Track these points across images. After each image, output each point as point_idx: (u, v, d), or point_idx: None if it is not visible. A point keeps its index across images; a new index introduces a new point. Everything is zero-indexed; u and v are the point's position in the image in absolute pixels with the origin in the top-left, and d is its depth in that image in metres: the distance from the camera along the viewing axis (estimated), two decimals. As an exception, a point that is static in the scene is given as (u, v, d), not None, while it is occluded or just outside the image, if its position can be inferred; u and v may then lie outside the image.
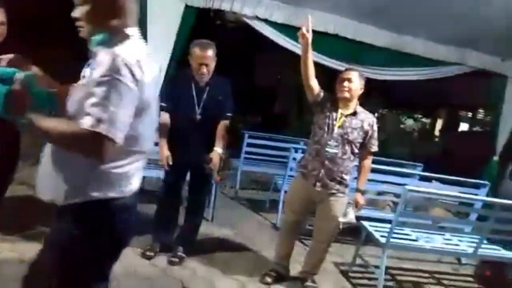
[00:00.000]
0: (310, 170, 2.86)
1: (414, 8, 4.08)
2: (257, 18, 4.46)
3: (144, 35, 3.88)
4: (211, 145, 3.05)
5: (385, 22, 4.73)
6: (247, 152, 5.16)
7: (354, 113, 2.85)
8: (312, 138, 2.91)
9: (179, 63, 4.09)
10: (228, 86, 3.13)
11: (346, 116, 2.83)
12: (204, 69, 2.92)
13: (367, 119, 2.87)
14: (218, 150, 3.07)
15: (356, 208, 2.92)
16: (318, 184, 2.82)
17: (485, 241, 3.33)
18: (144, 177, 4.19)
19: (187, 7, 4.12)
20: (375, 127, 2.89)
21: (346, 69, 2.99)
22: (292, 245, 3.12)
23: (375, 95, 8.24)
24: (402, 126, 11.04)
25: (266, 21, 4.49)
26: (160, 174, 3.47)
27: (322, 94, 2.87)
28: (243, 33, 6.22)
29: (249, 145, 5.15)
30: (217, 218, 4.18)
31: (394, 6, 4.13)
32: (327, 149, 2.79)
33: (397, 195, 3.96)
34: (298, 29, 4.57)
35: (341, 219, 2.84)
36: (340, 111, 2.84)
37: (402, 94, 8.14)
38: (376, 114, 10.48)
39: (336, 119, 2.83)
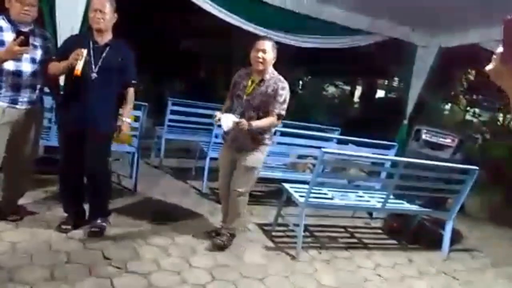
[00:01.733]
0: (230, 138, 3.06)
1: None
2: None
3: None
4: (110, 109, 2.91)
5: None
6: (171, 120, 5.06)
7: (262, 80, 2.96)
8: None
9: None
10: (130, 51, 2.96)
11: (257, 84, 2.97)
12: (97, 15, 2.73)
13: (274, 85, 2.95)
14: (127, 119, 2.98)
15: (239, 125, 2.86)
16: (233, 145, 3.06)
17: (391, 196, 3.67)
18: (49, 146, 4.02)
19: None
20: (280, 92, 2.93)
21: (260, 38, 3.04)
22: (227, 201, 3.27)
23: (299, 63, 8.45)
24: (324, 93, 11.50)
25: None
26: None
27: (233, 79, 3.10)
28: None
29: (173, 112, 5.05)
30: (141, 188, 4.11)
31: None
32: (235, 114, 2.92)
33: (316, 158, 4.17)
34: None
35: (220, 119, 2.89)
36: (251, 79, 2.99)
37: (324, 62, 8.41)
38: (300, 81, 10.83)
39: (246, 87, 2.98)
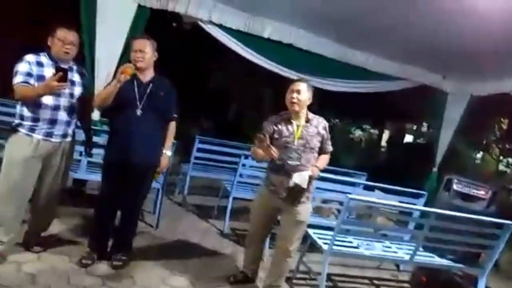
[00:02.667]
0: (277, 185, 2.91)
1: (364, 24, 4.25)
2: (212, 22, 4.45)
3: (93, 34, 3.81)
4: (154, 143, 3.03)
5: (336, 35, 4.89)
6: (197, 158, 5.10)
7: (308, 121, 2.95)
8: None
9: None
10: (172, 87, 3.10)
11: (303, 126, 2.93)
12: (139, 55, 2.89)
13: (320, 124, 2.99)
14: (167, 153, 3.12)
15: (311, 175, 2.87)
16: (287, 197, 2.89)
17: (420, 249, 3.50)
18: (86, 181, 4.10)
19: (139, 7, 4.05)
20: (328, 129, 3.04)
21: (296, 81, 3.03)
22: (257, 250, 3.19)
23: (326, 105, 8.46)
24: (351, 136, 11.41)
25: (220, 26, 4.50)
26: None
27: (269, 127, 2.95)
28: (198, 37, 6.17)
29: (199, 150, 5.09)
30: (163, 225, 4.09)
31: (346, 21, 4.28)
32: (289, 162, 2.86)
33: (341, 203, 4.06)
34: (253, 36, 4.69)
35: (294, 179, 2.82)
36: (295, 123, 2.93)
37: (352, 105, 8.41)
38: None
39: (293, 132, 2.91)
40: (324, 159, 3.03)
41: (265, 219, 3.10)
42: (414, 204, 4.16)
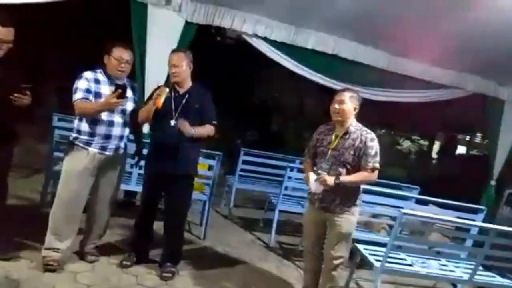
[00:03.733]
0: (312, 195, 2.88)
1: (412, 32, 4.12)
2: (256, 36, 4.48)
3: (143, 50, 3.94)
4: (190, 153, 3.08)
5: (384, 44, 4.77)
6: (242, 170, 5.11)
7: (347, 133, 2.81)
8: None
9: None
10: (208, 94, 3.14)
11: (341, 137, 2.82)
12: (173, 69, 3.01)
13: (360, 137, 2.78)
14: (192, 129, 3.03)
15: (319, 182, 2.73)
16: (321, 206, 2.84)
17: (480, 268, 3.27)
18: (136, 192, 4.21)
19: (187, 23, 4.15)
20: (370, 144, 2.75)
21: (339, 91, 2.96)
22: (314, 266, 3.05)
23: (372, 116, 8.24)
24: (399, 147, 11.03)
25: (265, 39, 4.53)
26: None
27: (313, 136, 2.97)
28: (243, 50, 6.26)
29: (245, 162, 5.10)
30: (209, 237, 4.11)
31: (393, 29, 4.17)
32: (319, 171, 2.79)
33: (393, 218, 3.90)
34: (297, 47, 4.67)
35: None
36: (335, 133, 2.85)
37: (399, 115, 8.14)
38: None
39: (330, 142, 2.84)
40: (359, 176, 2.76)
41: (314, 232, 2.97)
42: (472, 220, 3.91)
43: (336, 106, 2.80)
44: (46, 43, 6.88)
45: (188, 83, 3.11)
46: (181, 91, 3.08)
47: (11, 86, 2.54)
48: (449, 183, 6.84)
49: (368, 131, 2.83)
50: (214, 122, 3.12)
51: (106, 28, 6.49)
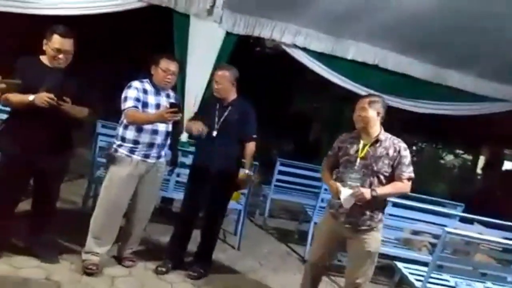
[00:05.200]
0: (337, 207, 2.70)
1: (459, 43, 3.97)
2: (296, 46, 4.48)
3: (184, 60, 4.03)
4: (230, 165, 3.15)
5: (427, 55, 4.63)
6: (278, 180, 5.07)
7: (377, 141, 2.66)
8: (336, 176, 2.79)
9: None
10: (251, 108, 3.21)
11: (370, 146, 2.66)
12: (216, 86, 3.12)
13: (393, 146, 2.64)
14: (247, 172, 3.21)
15: (355, 196, 2.56)
16: (347, 221, 2.65)
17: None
18: (173, 199, 4.28)
19: (227, 34, 4.21)
20: (404, 153, 2.63)
21: (361, 97, 2.81)
22: (315, 276, 2.95)
23: (413, 128, 8.01)
24: (441, 161, 10.60)
25: (304, 49, 4.51)
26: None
27: (335, 145, 2.83)
28: (281, 60, 6.27)
29: (280, 172, 5.07)
30: (244, 247, 4.09)
31: (438, 40, 4.04)
32: (349, 182, 2.61)
33: (435, 236, 3.73)
34: (337, 58, 4.62)
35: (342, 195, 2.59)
36: (362, 141, 2.68)
37: (442, 128, 7.84)
38: (414, 147, 10.19)
39: (358, 151, 2.67)
40: (394, 186, 2.61)
41: (329, 246, 2.80)
42: (522, 241, 3.66)
43: (358, 113, 2.68)
44: (92, 54, 7.19)
45: (232, 96, 3.18)
46: (224, 103, 3.16)
47: (71, 97, 2.64)
48: (495, 200, 6.48)
49: (399, 139, 2.69)
50: (254, 136, 3.17)
51: (149, 39, 6.71)
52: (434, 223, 3.88)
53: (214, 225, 3.34)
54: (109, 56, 7.32)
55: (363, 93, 4.78)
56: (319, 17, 4.23)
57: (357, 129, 2.73)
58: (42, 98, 2.52)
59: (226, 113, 3.13)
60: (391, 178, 2.63)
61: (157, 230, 3.87)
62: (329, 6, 3.99)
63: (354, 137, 2.75)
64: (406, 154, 2.64)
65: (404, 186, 2.62)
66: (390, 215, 3.91)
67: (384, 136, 2.68)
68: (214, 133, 3.10)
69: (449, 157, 11.24)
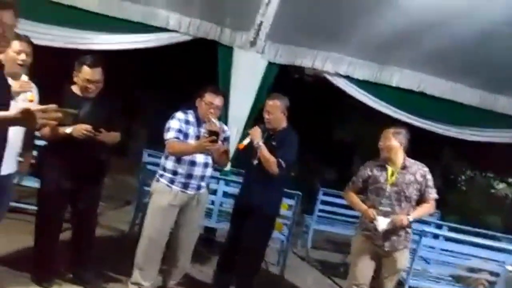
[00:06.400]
0: (372, 230, 2.89)
1: (506, 66, 3.81)
2: (338, 74, 4.45)
3: (227, 90, 4.09)
4: (271, 192, 3.12)
5: (474, 80, 4.46)
6: (321, 210, 4.96)
7: (404, 168, 2.89)
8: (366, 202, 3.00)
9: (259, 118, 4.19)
10: (293, 137, 3.15)
11: (398, 173, 2.88)
12: (267, 116, 3.12)
13: (419, 171, 2.90)
14: None
15: (394, 224, 2.81)
16: (385, 243, 2.88)
17: None
18: (215, 229, 4.27)
19: (269, 64, 4.26)
20: (429, 177, 2.91)
21: (385, 129, 3.02)
22: None
23: (462, 157, 7.66)
24: (493, 191, 10.00)
25: (347, 77, 4.47)
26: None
27: (363, 172, 3.03)
28: (322, 87, 6.26)
29: (323, 202, 4.96)
30: (286, 278, 4.00)
31: (485, 64, 3.90)
32: (380, 208, 2.86)
33: (493, 273, 3.48)
34: (381, 85, 4.54)
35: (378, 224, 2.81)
36: (390, 168, 2.90)
37: (493, 156, 7.44)
38: (463, 177, 9.70)
39: (387, 179, 2.89)
40: (424, 209, 2.92)
41: (370, 266, 2.97)
42: None
43: (382, 143, 2.94)
44: (138, 86, 7.54)
45: (282, 126, 3.16)
46: (272, 132, 3.15)
47: (103, 123, 2.74)
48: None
49: (423, 164, 2.95)
50: (282, 162, 2.99)
51: (192, 70, 6.93)
52: (491, 260, 3.62)
53: (256, 258, 3.28)
54: (157, 88, 7.62)
55: (408, 121, 4.67)
56: (361, 44, 4.20)
57: (381, 157, 2.96)
58: (80, 130, 2.64)
59: (269, 143, 3.07)
60: (419, 201, 2.91)
61: (201, 260, 3.85)
62: (372, 33, 3.96)
63: (381, 165, 2.97)
64: (430, 177, 2.92)
65: (432, 207, 2.95)
66: (443, 250, 3.71)
67: (409, 162, 2.93)
68: (255, 162, 3.07)
69: (501, 186, 10.59)
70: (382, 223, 2.79)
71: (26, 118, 1.61)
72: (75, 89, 2.84)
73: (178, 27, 4.05)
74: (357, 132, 8.53)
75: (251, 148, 3.05)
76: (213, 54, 4.28)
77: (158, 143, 3.67)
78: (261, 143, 3.00)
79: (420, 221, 4.16)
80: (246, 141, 3.02)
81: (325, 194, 4.97)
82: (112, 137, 2.87)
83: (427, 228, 4.13)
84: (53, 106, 1.65)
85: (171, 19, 4.01)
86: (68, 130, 2.64)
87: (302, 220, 5.31)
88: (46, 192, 2.84)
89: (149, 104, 7.30)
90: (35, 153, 2.99)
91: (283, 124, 3.16)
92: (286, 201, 4.02)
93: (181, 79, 7.17)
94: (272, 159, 2.97)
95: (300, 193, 3.99)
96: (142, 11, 3.94)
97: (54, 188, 2.79)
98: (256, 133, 3.05)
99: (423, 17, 3.56)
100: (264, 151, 2.98)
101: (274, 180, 3.05)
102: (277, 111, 3.09)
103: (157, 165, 3.65)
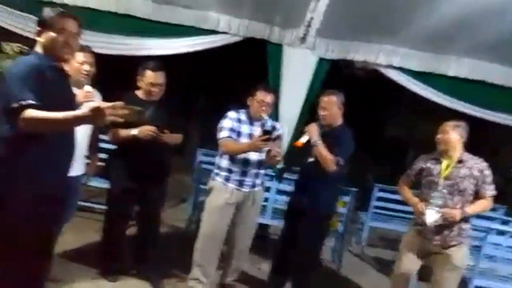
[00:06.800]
0: (424, 225, 2.81)
1: None
2: (392, 66, 4.32)
3: (277, 89, 4.09)
4: (327, 191, 3.08)
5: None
6: (376, 207, 4.84)
7: (460, 162, 2.80)
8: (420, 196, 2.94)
9: (311, 114, 4.15)
10: (347, 132, 3.09)
11: (453, 166, 2.80)
12: (322, 112, 3.08)
13: (476, 166, 2.79)
14: None
15: (446, 219, 2.72)
16: (435, 238, 2.80)
17: None
18: (269, 225, 4.30)
19: (320, 60, 4.21)
20: (487, 172, 2.79)
21: (444, 121, 2.91)
22: None
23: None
24: None
25: (401, 69, 4.33)
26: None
27: (416, 166, 2.98)
28: (373, 80, 6.10)
29: (379, 199, 4.84)
30: (342, 276, 3.96)
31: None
32: (432, 201, 2.77)
33: None
34: (437, 76, 4.34)
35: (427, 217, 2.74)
36: (444, 162, 2.83)
37: None
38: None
39: (440, 172, 2.81)
40: (480, 205, 2.80)
41: (417, 260, 2.90)
42: None
43: (440, 136, 2.85)
44: (191, 86, 7.75)
45: (338, 122, 3.11)
46: (328, 129, 3.09)
47: (166, 125, 2.87)
48: None
49: (481, 159, 2.85)
50: (339, 159, 2.95)
51: (243, 70, 7.01)
52: None
53: (310, 257, 3.22)
54: (209, 89, 7.79)
55: (465, 111, 4.43)
56: (416, 34, 4.03)
57: (438, 150, 2.88)
58: (145, 131, 2.77)
59: (326, 139, 3.00)
60: (474, 196, 2.80)
61: (256, 257, 3.89)
62: (426, 23, 3.79)
63: (435, 158, 2.90)
64: (489, 173, 2.80)
65: (489, 204, 2.83)
66: (510, 247, 3.50)
67: (466, 156, 2.84)
68: (311, 159, 3.04)
69: None
70: (430, 217, 2.73)
71: (96, 115, 1.73)
72: (139, 93, 2.97)
73: (228, 28, 4.11)
74: (410, 126, 8.22)
75: (306, 146, 3.02)
76: (262, 53, 4.30)
77: (211, 142, 3.77)
78: (318, 141, 2.96)
79: (484, 217, 3.98)
80: (303, 139, 2.98)
81: (380, 190, 4.85)
82: (175, 138, 2.99)
83: (492, 225, 3.92)
84: (120, 103, 1.76)
85: (221, 21, 4.08)
86: (134, 131, 2.78)
87: (355, 217, 5.22)
88: (115, 192, 3.02)
89: (202, 104, 7.48)
90: (102, 155, 3.18)
91: (339, 120, 3.11)
92: (342, 198, 3.97)
93: (232, 79, 7.28)
94: (329, 157, 2.91)
95: (356, 189, 3.92)
96: (194, 15, 4.05)
97: (122, 188, 2.96)
98: (314, 130, 3.00)
99: (482, 3, 3.36)
100: (321, 149, 2.94)
101: (330, 178, 3.00)
102: (333, 107, 3.05)
103: (211, 163, 3.75)
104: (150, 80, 2.89)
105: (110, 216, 3.08)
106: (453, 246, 2.78)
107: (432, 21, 3.72)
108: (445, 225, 2.74)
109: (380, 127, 8.67)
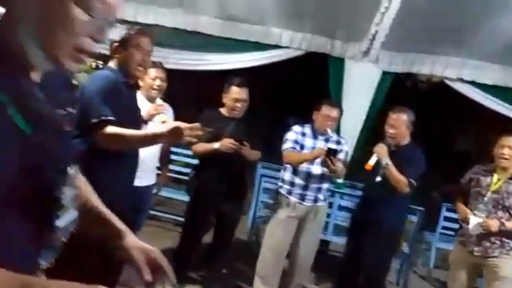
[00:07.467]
0: (468, 237, 2.80)
1: None
2: (461, 80, 4.11)
3: (339, 103, 4.04)
4: (397, 207, 2.99)
5: None
6: (444, 227, 4.58)
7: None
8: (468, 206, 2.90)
9: (373, 129, 4.05)
10: (420, 153, 2.97)
11: (504, 181, 2.73)
12: (391, 130, 2.97)
13: None
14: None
15: (482, 225, 2.68)
16: (476, 250, 2.75)
17: None
18: (329, 242, 4.19)
19: (383, 73, 4.12)
20: None
21: (505, 134, 2.82)
22: None
23: None
24: None
25: (472, 82, 4.10)
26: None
27: (468, 175, 2.95)
28: (437, 94, 5.85)
29: (447, 219, 4.57)
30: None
31: None
32: (475, 212, 2.75)
33: None
34: (509, 89, 4.05)
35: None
36: (496, 175, 2.77)
37: None
38: None
39: (490, 184, 2.75)
40: None
41: (466, 275, 2.83)
42: None
43: (505, 151, 2.74)
44: (256, 101, 7.92)
45: (406, 141, 3.01)
46: (396, 147, 3.00)
47: (247, 141, 2.91)
48: None
49: None
50: (412, 181, 2.85)
51: (305, 85, 7.03)
52: None
53: (376, 280, 3.13)
54: (270, 103, 7.88)
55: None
56: (488, 46, 3.81)
57: (494, 164, 2.79)
58: (226, 145, 2.82)
59: (395, 159, 2.90)
60: None
61: (315, 273, 3.82)
62: (499, 34, 3.58)
63: (487, 170, 2.84)
64: None
65: None
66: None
67: None
68: (378, 178, 2.95)
69: None
70: (472, 225, 2.71)
71: (174, 135, 1.81)
72: (222, 110, 3.05)
73: (290, 43, 4.16)
74: (478, 141, 7.71)
75: (375, 166, 2.95)
76: (323, 67, 4.29)
77: (271, 156, 3.80)
78: (390, 163, 2.85)
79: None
80: (372, 161, 2.90)
81: (448, 210, 4.58)
82: (254, 154, 3.02)
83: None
84: (197, 124, 1.83)
85: (284, 36, 4.14)
86: (216, 145, 2.86)
87: (421, 237, 4.95)
88: (195, 206, 3.11)
89: (263, 118, 7.57)
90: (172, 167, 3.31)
91: (407, 139, 3.00)
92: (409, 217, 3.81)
93: (292, 94, 7.31)
94: (402, 179, 2.81)
95: (422, 208, 3.76)
96: (258, 31, 4.14)
97: (202, 202, 3.05)
98: (383, 152, 2.90)
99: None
100: (394, 171, 2.83)
101: (399, 197, 2.91)
102: (402, 125, 2.95)
103: (271, 177, 3.78)
104: (235, 95, 2.96)
105: (188, 227, 3.16)
106: (496, 257, 2.71)
107: (505, 30, 3.51)
108: (485, 235, 2.70)
109: (448, 142, 8.23)
